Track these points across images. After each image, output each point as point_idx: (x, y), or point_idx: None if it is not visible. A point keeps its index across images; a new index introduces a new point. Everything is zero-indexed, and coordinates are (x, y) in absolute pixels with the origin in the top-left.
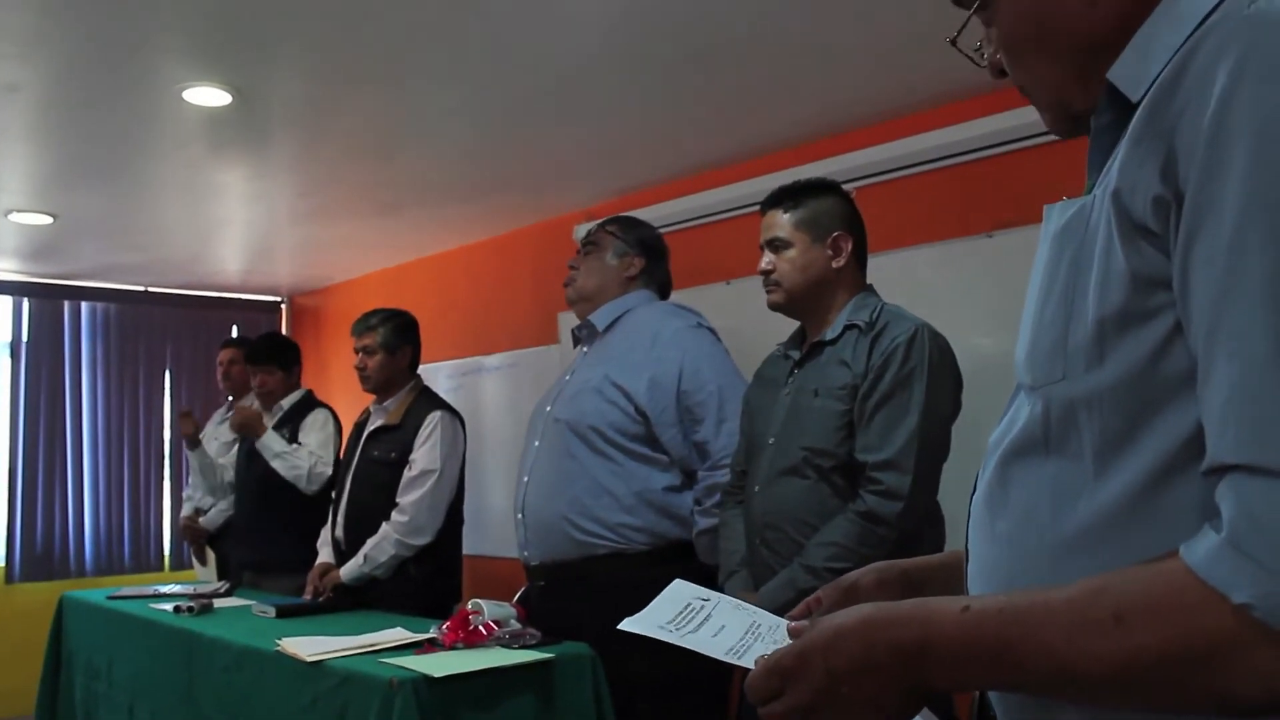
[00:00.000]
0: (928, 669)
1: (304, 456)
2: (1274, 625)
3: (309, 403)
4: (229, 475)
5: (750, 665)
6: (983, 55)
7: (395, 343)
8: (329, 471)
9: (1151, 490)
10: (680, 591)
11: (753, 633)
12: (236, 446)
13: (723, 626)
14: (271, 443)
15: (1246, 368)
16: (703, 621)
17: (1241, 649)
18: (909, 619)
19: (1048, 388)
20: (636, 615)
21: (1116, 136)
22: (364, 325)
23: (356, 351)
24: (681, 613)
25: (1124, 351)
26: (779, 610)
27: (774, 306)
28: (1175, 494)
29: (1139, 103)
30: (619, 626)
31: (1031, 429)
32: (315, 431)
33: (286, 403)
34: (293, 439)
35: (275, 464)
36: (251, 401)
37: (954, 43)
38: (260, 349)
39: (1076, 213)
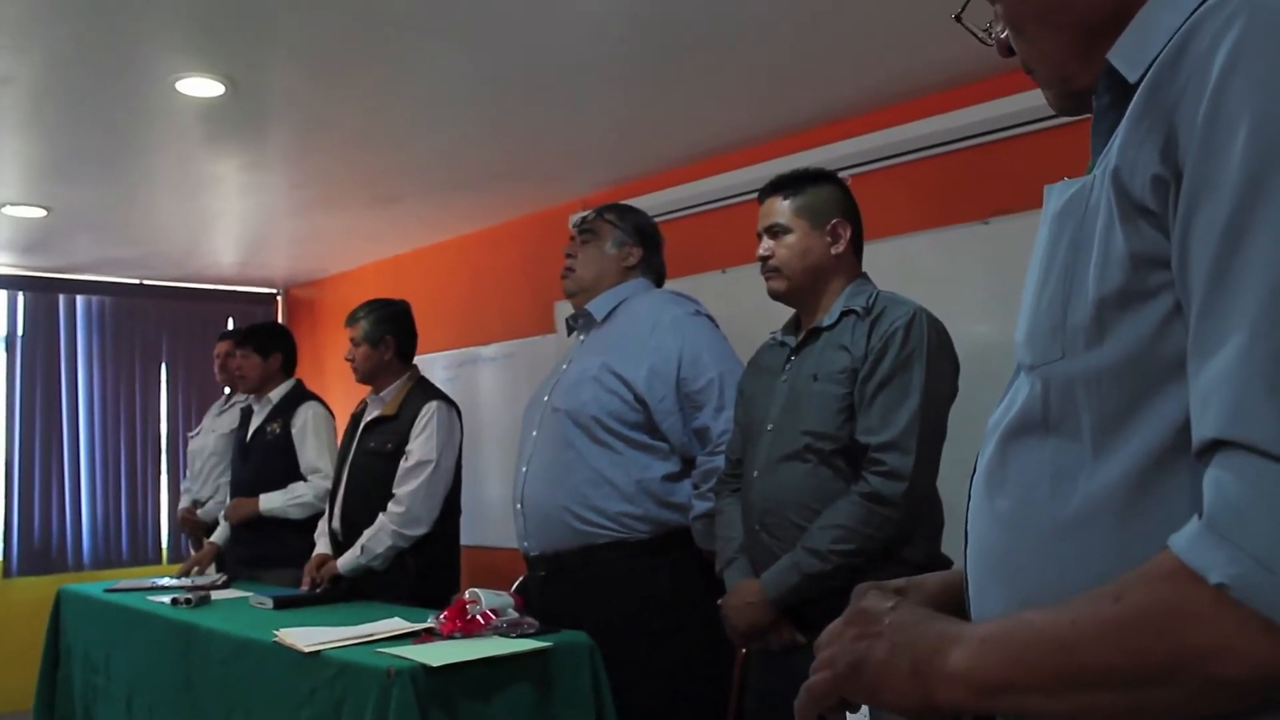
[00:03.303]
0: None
1: (302, 488)
2: (1250, 605)
3: (299, 394)
4: (225, 470)
5: None
6: (990, 34)
7: (376, 334)
8: (329, 484)
9: (1149, 473)
10: None
11: None
12: (234, 437)
13: None
14: (271, 504)
15: (1238, 346)
16: None
17: (1221, 630)
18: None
19: (1047, 367)
20: None
21: (1116, 117)
22: (351, 318)
23: None
24: None
25: (1124, 331)
26: (783, 595)
27: (775, 294)
28: (1173, 477)
29: (1137, 83)
30: None
31: (1031, 408)
32: (309, 437)
33: (276, 394)
34: (284, 430)
35: (289, 514)
36: (247, 397)
37: (959, 18)
38: (243, 331)
39: (1076, 193)
